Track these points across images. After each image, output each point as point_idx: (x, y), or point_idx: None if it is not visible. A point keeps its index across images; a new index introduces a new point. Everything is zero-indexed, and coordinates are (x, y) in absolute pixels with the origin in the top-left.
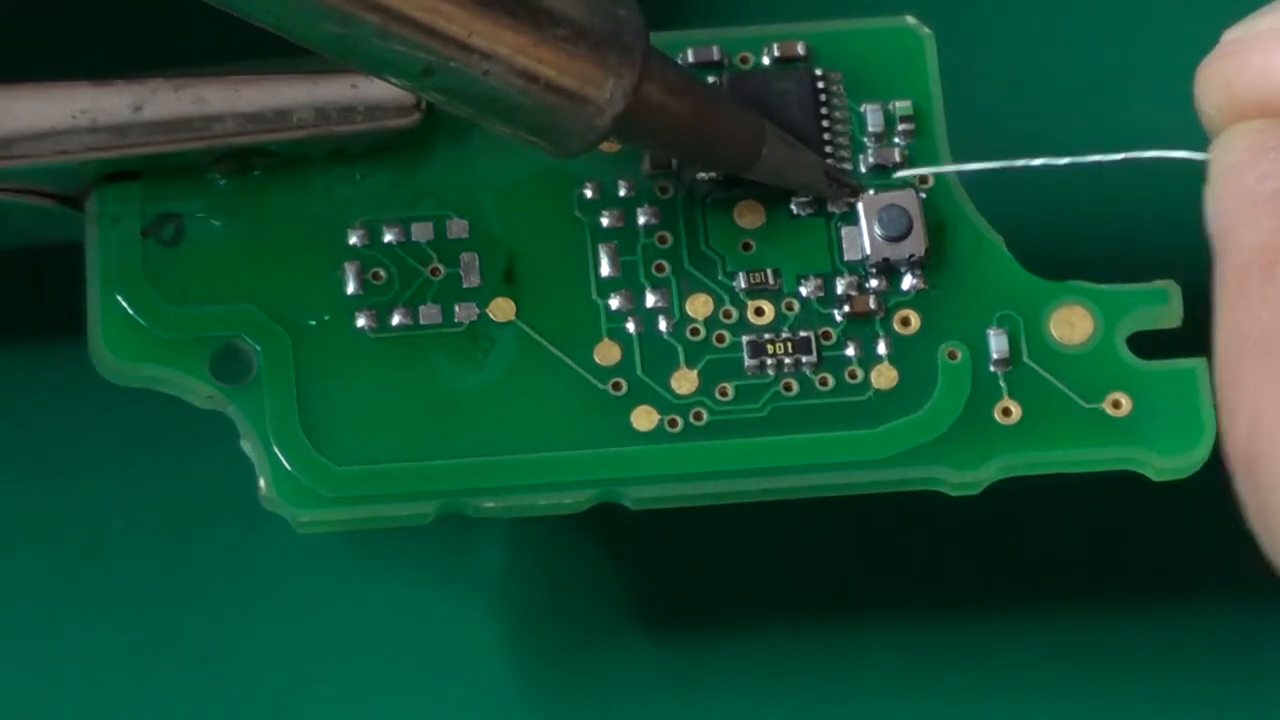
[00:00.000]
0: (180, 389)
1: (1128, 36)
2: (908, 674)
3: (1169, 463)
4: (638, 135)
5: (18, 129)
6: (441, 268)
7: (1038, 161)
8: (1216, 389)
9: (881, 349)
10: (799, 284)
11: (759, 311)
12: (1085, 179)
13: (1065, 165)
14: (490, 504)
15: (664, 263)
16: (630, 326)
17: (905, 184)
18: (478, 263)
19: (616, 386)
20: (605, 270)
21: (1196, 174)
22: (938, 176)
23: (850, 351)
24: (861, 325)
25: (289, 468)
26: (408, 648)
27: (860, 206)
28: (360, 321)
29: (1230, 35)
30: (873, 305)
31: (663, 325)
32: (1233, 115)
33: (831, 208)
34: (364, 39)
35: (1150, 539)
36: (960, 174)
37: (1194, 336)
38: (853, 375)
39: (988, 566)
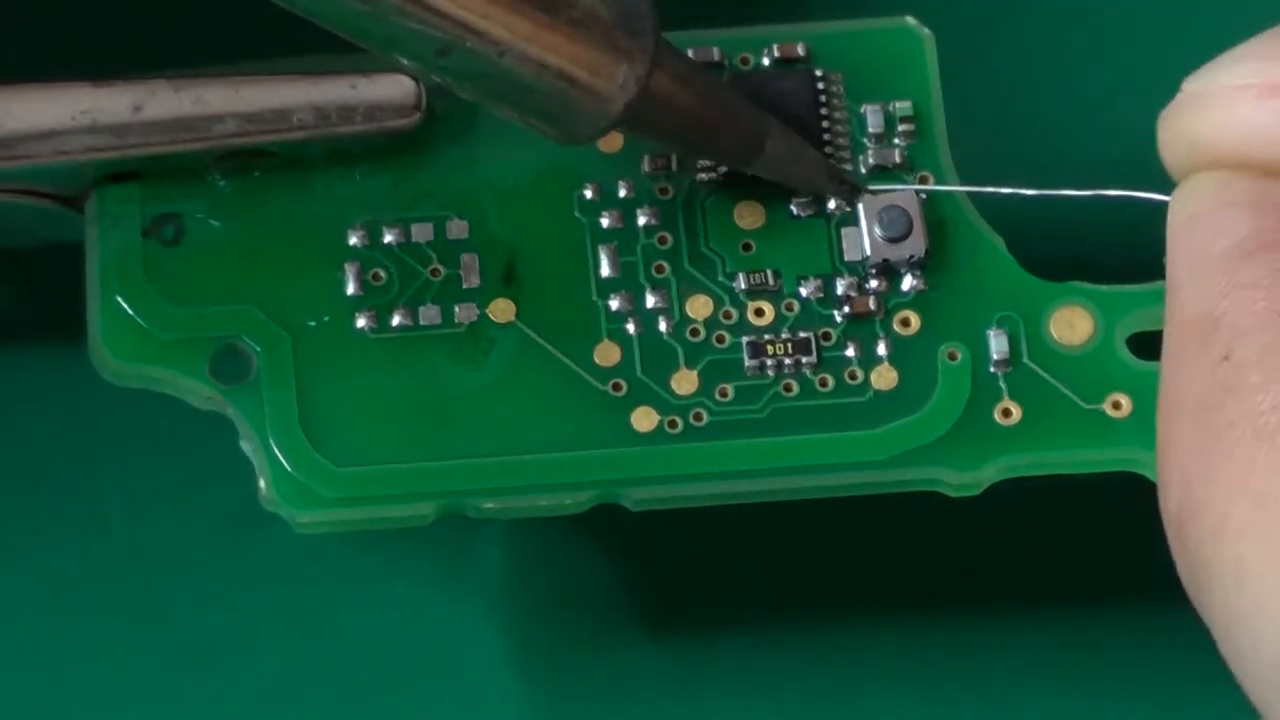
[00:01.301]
0: (180, 390)
1: (1128, 37)
2: (907, 674)
3: None
4: (645, 124)
5: (18, 129)
6: (441, 268)
7: (1005, 190)
8: (1156, 444)
9: (881, 350)
10: (799, 285)
11: (759, 312)
12: (1086, 179)
13: (1034, 197)
14: (490, 505)
15: (664, 263)
16: (630, 327)
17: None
18: (477, 263)
19: (616, 387)
20: (605, 271)
21: None
22: (938, 178)
23: (850, 352)
24: (861, 326)
25: (289, 468)
26: (407, 648)
27: (860, 207)
28: (360, 322)
29: (1190, 87)
30: (873, 306)
31: (663, 326)
32: (1193, 166)
33: (830, 206)
34: (383, 16)
35: (1150, 540)
36: (929, 193)
37: None
38: (853, 376)
39: (988, 567)
